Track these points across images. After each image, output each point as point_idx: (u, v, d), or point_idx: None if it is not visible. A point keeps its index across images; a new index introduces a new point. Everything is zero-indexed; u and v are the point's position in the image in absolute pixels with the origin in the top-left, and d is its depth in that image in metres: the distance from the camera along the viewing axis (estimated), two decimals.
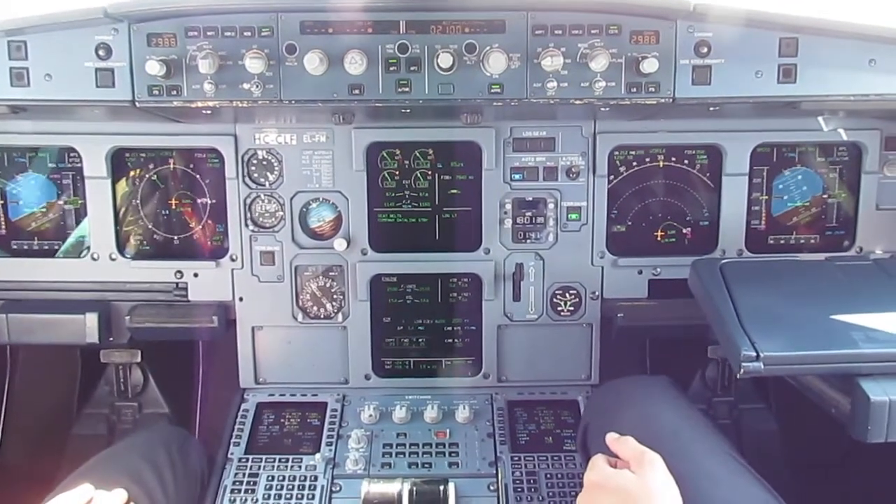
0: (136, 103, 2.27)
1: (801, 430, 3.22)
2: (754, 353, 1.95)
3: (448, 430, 2.72)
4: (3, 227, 2.90)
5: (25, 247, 2.92)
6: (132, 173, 2.87)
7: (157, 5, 2.18)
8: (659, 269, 2.87)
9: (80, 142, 2.77)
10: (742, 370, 1.95)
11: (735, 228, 2.85)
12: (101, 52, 2.23)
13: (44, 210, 2.90)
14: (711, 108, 2.40)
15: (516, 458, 2.61)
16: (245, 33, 2.23)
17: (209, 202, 2.89)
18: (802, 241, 2.94)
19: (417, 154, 2.81)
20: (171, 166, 2.87)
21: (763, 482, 1.97)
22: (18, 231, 2.91)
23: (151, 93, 2.26)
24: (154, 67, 2.18)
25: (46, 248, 2.92)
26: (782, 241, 2.94)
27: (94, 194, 2.81)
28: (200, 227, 2.91)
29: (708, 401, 3.30)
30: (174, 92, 2.25)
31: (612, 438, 1.94)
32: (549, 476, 2.54)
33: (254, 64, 2.20)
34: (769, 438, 3.29)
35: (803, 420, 3.14)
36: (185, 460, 2.40)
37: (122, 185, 2.87)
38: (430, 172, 2.83)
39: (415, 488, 2.30)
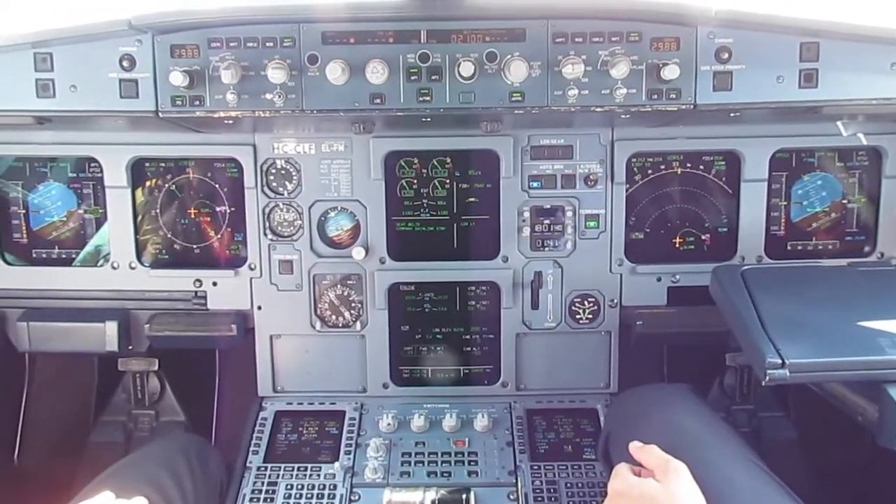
0: (160, 114, 2.29)
1: (822, 438, 3.19)
2: (779, 361, 1.93)
3: (467, 439, 2.71)
4: (25, 236, 2.92)
5: (45, 255, 2.94)
6: (152, 183, 2.89)
7: (180, 17, 2.20)
8: (678, 277, 2.85)
9: (101, 152, 2.79)
10: (767, 377, 1.93)
11: (754, 235, 2.84)
12: (125, 64, 2.26)
13: (64, 219, 2.92)
14: (732, 115, 2.39)
15: (536, 467, 2.60)
16: (267, 44, 2.24)
17: (228, 211, 2.90)
18: (822, 247, 2.93)
19: (435, 163, 2.82)
20: (190, 176, 2.89)
21: (787, 489, 1.95)
22: (39, 240, 2.93)
23: (174, 103, 2.28)
24: (177, 78, 2.20)
25: (65, 256, 2.94)
26: (802, 247, 2.93)
27: (114, 204, 2.83)
28: (219, 236, 2.93)
29: (727, 409, 3.28)
30: (197, 102, 2.27)
31: (635, 447, 1.93)
32: (569, 485, 2.52)
33: (276, 74, 2.21)
34: (789, 446, 3.26)
35: (824, 428, 3.11)
36: (204, 469, 2.40)
37: (142, 195, 2.89)
38: (447, 181, 2.83)
39: (437, 497, 2.30)
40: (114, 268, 2.86)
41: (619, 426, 2.31)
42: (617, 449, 2.24)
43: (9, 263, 2.88)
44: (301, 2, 2.27)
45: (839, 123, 2.51)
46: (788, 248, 2.92)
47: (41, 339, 2.81)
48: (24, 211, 2.91)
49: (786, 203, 2.89)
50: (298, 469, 2.60)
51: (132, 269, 2.86)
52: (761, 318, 2.12)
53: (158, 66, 2.26)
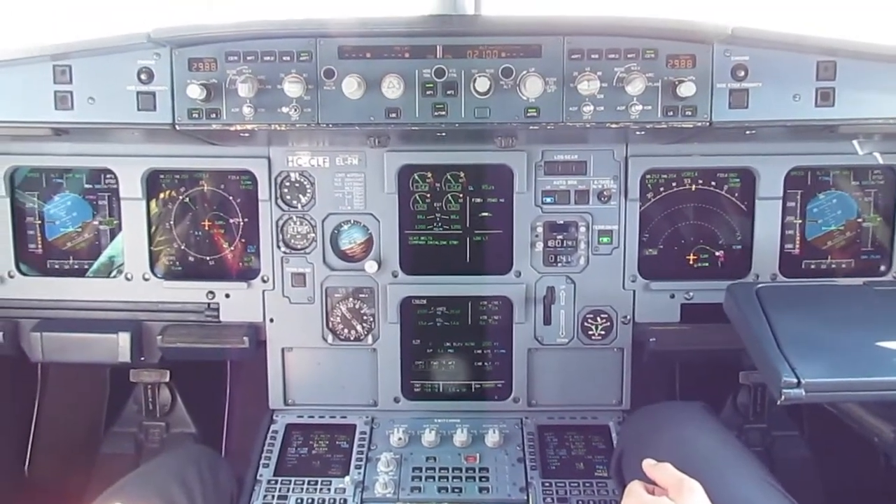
0: (176, 126, 2.30)
1: (836, 458, 3.16)
2: (795, 380, 1.92)
3: (478, 455, 2.69)
4: (40, 246, 2.93)
5: (57, 266, 2.95)
6: (166, 194, 2.91)
7: (199, 31, 2.22)
8: (692, 294, 2.84)
9: (117, 164, 2.81)
10: (783, 397, 1.92)
11: (769, 252, 2.83)
12: (143, 77, 2.27)
13: (79, 230, 2.94)
14: (748, 132, 2.39)
15: (547, 484, 2.58)
16: (284, 58, 2.26)
17: (241, 224, 2.91)
18: (837, 266, 2.91)
19: (449, 177, 2.82)
20: (204, 188, 2.90)
21: None
22: (54, 250, 2.94)
23: (191, 116, 2.29)
24: (195, 91, 2.21)
25: (80, 267, 2.96)
26: (817, 266, 2.91)
27: (129, 215, 2.85)
28: (232, 248, 2.94)
29: (739, 427, 3.25)
30: (213, 115, 2.28)
31: (649, 464, 1.91)
32: (581, 502, 2.50)
33: (292, 88, 2.23)
34: (803, 466, 3.23)
35: (838, 447, 3.08)
36: (215, 481, 2.40)
37: (156, 206, 2.90)
38: (461, 195, 2.83)
39: None
40: (127, 279, 2.87)
41: (633, 443, 2.30)
42: (630, 466, 2.23)
43: (24, 274, 2.89)
44: (318, 16, 2.28)
45: (855, 142, 2.50)
46: (803, 266, 2.91)
47: (54, 349, 2.82)
48: (39, 221, 2.92)
49: (801, 221, 2.88)
50: (309, 483, 2.59)
51: (146, 280, 2.87)
52: (777, 336, 2.11)
53: (176, 80, 2.27)
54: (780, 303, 2.28)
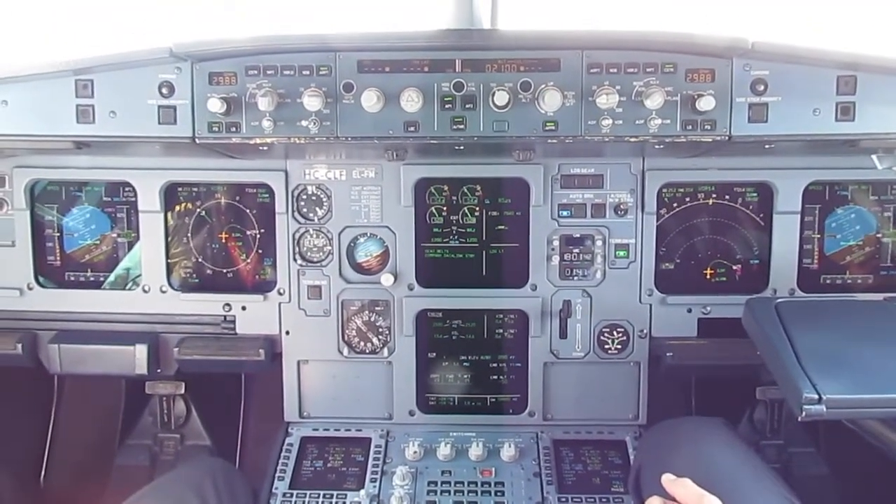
0: (196, 140, 2.31)
1: (855, 475, 3.12)
2: (816, 396, 1.90)
3: (493, 469, 2.68)
4: (58, 258, 2.95)
5: (73, 278, 2.97)
6: (183, 207, 2.92)
7: (220, 45, 2.23)
8: (709, 308, 2.83)
9: (135, 177, 2.83)
10: (804, 413, 1.90)
11: (787, 267, 2.81)
12: (164, 90, 2.29)
13: (97, 242, 2.96)
14: (767, 146, 2.38)
15: (563, 500, 2.56)
16: (304, 72, 2.27)
17: (258, 236, 2.92)
18: (856, 281, 2.89)
19: (465, 190, 2.82)
20: (221, 200, 2.92)
21: None
22: (72, 262, 2.96)
23: (211, 129, 2.30)
24: (215, 105, 2.23)
25: (97, 279, 2.97)
26: (835, 281, 2.90)
27: (147, 228, 2.86)
28: (248, 260, 2.95)
29: (756, 444, 3.23)
30: (233, 129, 2.30)
31: (668, 480, 1.89)
32: None
33: (312, 101, 2.24)
34: (821, 483, 3.20)
35: (856, 464, 3.05)
36: (231, 493, 2.38)
37: (173, 219, 2.92)
38: (477, 208, 2.84)
39: None
40: (145, 291, 2.89)
41: (651, 459, 2.28)
42: (648, 482, 2.21)
43: (42, 286, 2.91)
44: (337, 31, 2.29)
45: (874, 157, 2.48)
46: (822, 281, 2.89)
47: (72, 361, 2.83)
48: (58, 234, 2.94)
49: (819, 236, 2.87)
50: (324, 496, 2.58)
51: (163, 292, 2.88)
52: (797, 352, 2.09)
53: (196, 93, 2.29)
54: (799, 318, 2.26)
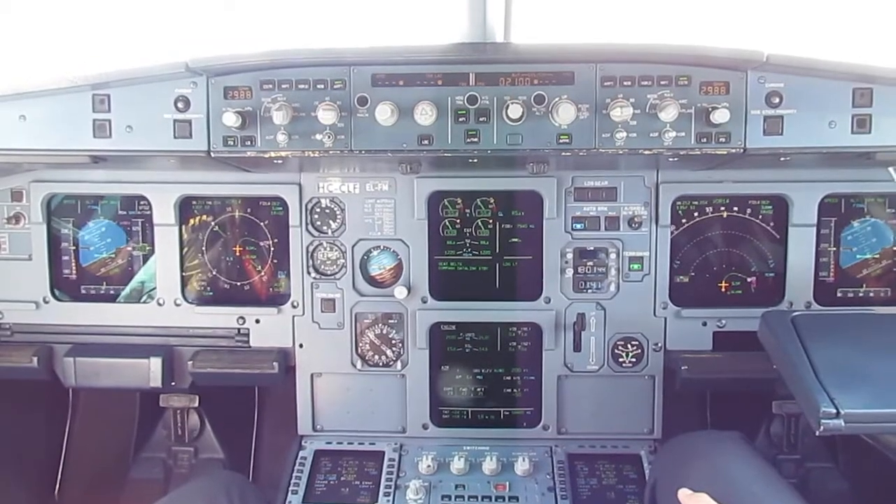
0: (212, 153, 2.33)
1: (874, 491, 3.08)
2: (834, 410, 1.88)
3: (507, 483, 2.67)
4: (74, 272, 2.97)
5: (88, 291, 2.99)
6: (197, 220, 2.94)
7: (235, 60, 2.25)
8: (724, 321, 2.81)
9: (151, 190, 2.85)
10: (822, 427, 1.88)
11: (803, 280, 2.79)
12: (179, 105, 2.31)
13: (113, 255, 2.98)
14: (782, 159, 2.37)
15: None
16: (318, 86, 2.28)
17: (272, 250, 2.93)
18: (872, 294, 2.87)
19: (479, 203, 2.83)
20: (235, 214, 2.93)
21: None
22: (88, 276, 2.98)
23: (226, 143, 2.32)
24: (230, 119, 2.24)
25: (113, 292, 2.99)
26: (851, 294, 2.87)
27: (162, 241, 2.88)
28: (262, 273, 2.96)
29: (773, 458, 3.19)
30: (248, 142, 2.31)
31: (685, 494, 1.88)
32: None
33: (326, 115, 2.25)
34: (839, 499, 3.16)
35: (875, 480, 3.01)
36: None
37: (188, 232, 2.93)
38: (491, 221, 2.84)
39: None
40: (159, 304, 2.90)
41: (667, 473, 2.26)
42: (664, 496, 2.19)
43: (58, 299, 2.93)
44: (352, 45, 2.31)
45: (891, 169, 2.47)
46: (838, 294, 2.87)
47: (87, 374, 2.85)
48: (74, 247, 2.97)
49: (835, 249, 2.85)
50: None
51: (177, 305, 2.90)
52: (814, 365, 2.07)
53: (212, 108, 2.31)
54: (816, 331, 2.24)
